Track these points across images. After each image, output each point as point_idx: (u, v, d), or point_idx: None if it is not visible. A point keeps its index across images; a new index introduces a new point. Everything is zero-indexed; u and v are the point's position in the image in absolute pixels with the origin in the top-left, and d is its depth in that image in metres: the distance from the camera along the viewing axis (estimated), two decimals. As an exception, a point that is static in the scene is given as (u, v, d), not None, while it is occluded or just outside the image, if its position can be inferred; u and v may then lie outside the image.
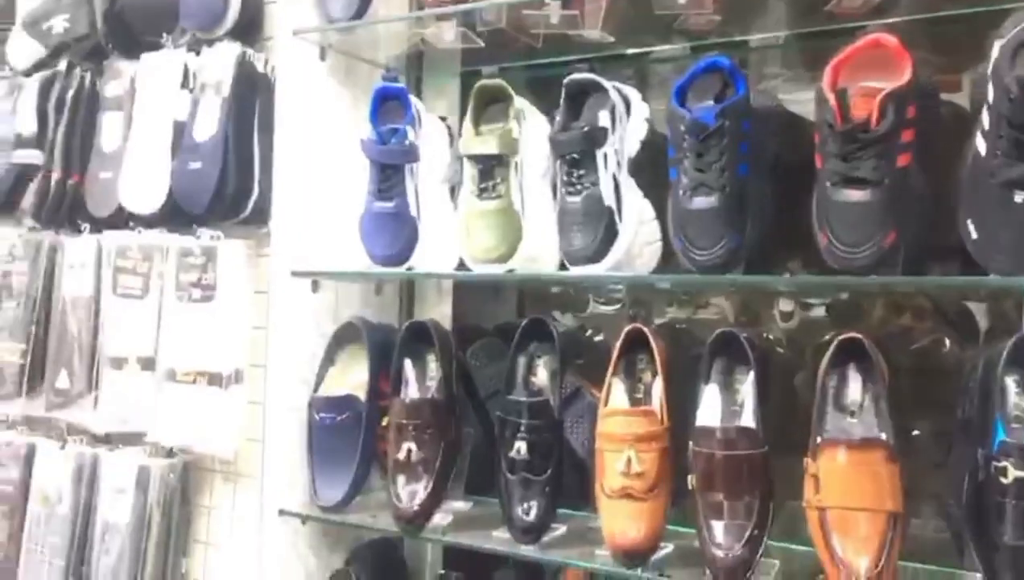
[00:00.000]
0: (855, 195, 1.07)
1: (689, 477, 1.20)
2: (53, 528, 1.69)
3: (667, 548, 1.28)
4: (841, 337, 1.20)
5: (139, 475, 1.62)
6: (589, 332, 1.79)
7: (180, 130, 1.58)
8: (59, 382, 1.70)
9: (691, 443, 1.21)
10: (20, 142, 1.75)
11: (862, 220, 1.07)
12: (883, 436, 1.15)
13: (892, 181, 1.06)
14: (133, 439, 1.66)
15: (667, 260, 1.35)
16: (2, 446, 1.79)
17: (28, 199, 1.75)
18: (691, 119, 1.17)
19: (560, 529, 1.38)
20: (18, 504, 1.74)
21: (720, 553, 1.15)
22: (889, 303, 1.47)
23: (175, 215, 1.59)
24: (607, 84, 1.33)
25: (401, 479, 1.41)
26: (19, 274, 1.75)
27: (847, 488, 1.11)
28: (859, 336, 1.19)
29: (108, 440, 1.70)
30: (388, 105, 1.49)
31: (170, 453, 1.65)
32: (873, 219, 1.06)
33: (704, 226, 1.18)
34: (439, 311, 1.70)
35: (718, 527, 1.16)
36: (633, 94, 1.38)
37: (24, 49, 1.75)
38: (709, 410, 1.25)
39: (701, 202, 1.18)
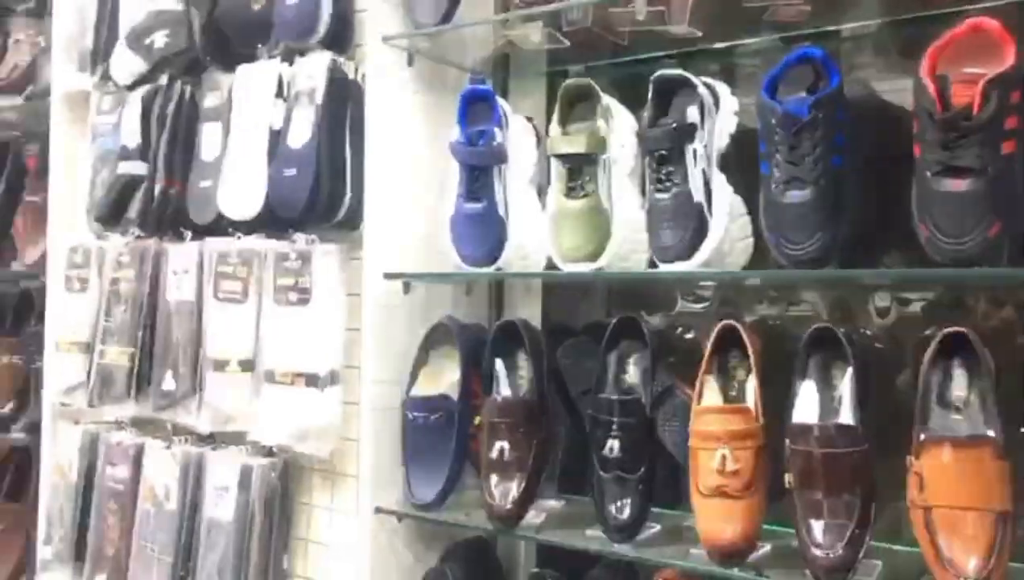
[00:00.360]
0: (957, 184, 1.04)
1: (786, 475, 1.19)
2: (161, 525, 1.75)
3: (764, 548, 1.26)
4: (945, 331, 1.17)
5: (242, 474, 1.67)
6: (679, 330, 1.77)
7: (276, 138, 1.62)
8: (165, 384, 1.76)
9: (788, 441, 1.19)
10: (125, 154, 1.82)
11: (965, 210, 1.04)
12: (991, 433, 1.12)
13: (996, 169, 1.03)
14: (235, 439, 1.71)
15: (757, 256, 1.33)
16: (113, 446, 1.86)
17: (134, 208, 1.81)
18: (783, 111, 1.16)
19: (654, 528, 1.38)
20: (129, 502, 1.81)
21: (820, 553, 1.13)
22: (992, 297, 1.42)
23: (272, 220, 1.64)
24: (695, 79, 1.32)
25: (494, 478, 1.43)
26: (127, 281, 1.82)
27: (953, 487, 1.08)
28: (964, 330, 1.16)
29: (212, 440, 1.76)
30: (476, 107, 1.51)
31: (270, 452, 1.69)
32: (976, 209, 1.03)
33: (798, 220, 1.16)
34: (528, 311, 1.71)
35: (817, 527, 1.14)
36: (722, 88, 1.36)
37: (127, 64, 1.82)
38: (806, 407, 1.23)
39: (794, 196, 1.16)
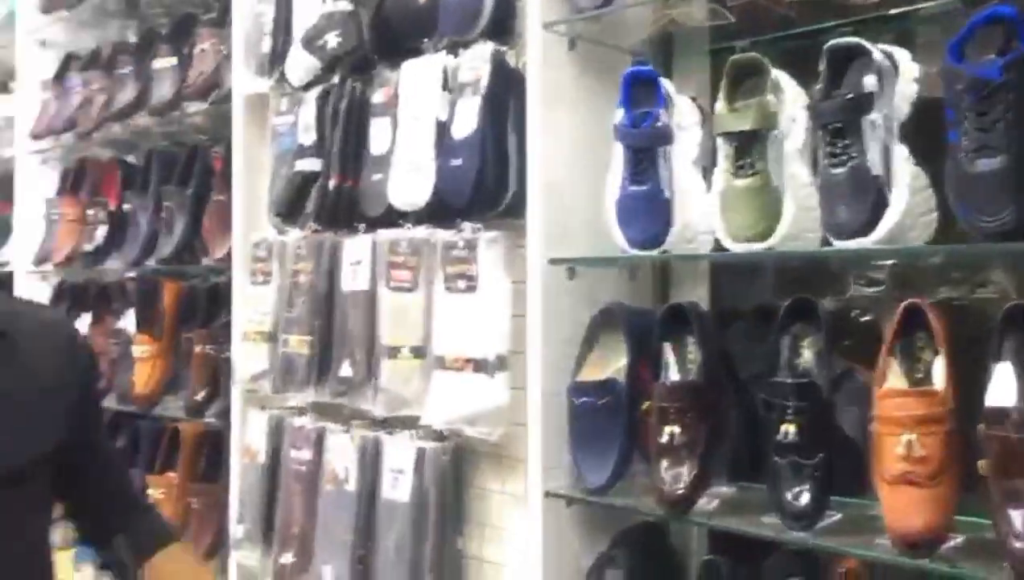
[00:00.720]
0: None
1: (980, 462, 1.12)
2: (342, 505, 1.83)
3: (956, 539, 1.19)
4: None
5: (416, 457, 1.72)
6: (854, 313, 1.70)
7: (442, 130, 1.66)
8: (342, 371, 1.84)
9: (982, 426, 1.12)
10: (301, 152, 1.91)
11: None
12: None
13: None
14: (409, 423, 1.76)
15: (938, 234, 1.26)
16: (296, 430, 1.96)
17: (310, 203, 1.90)
18: (971, 76, 1.09)
19: (834, 516, 1.32)
20: (312, 483, 1.90)
21: (1020, 545, 1.06)
22: None
23: (439, 211, 1.68)
24: (871, 46, 1.26)
25: (664, 463, 1.41)
26: (306, 273, 1.91)
27: None
28: None
29: (386, 424, 1.82)
30: (639, 89, 1.49)
31: (442, 436, 1.74)
32: None
33: (989, 190, 1.09)
34: (695, 293, 1.68)
35: (1017, 516, 1.07)
36: (901, 54, 1.30)
37: (302, 66, 1.91)
38: (1002, 390, 1.15)
39: (985, 164, 1.09)
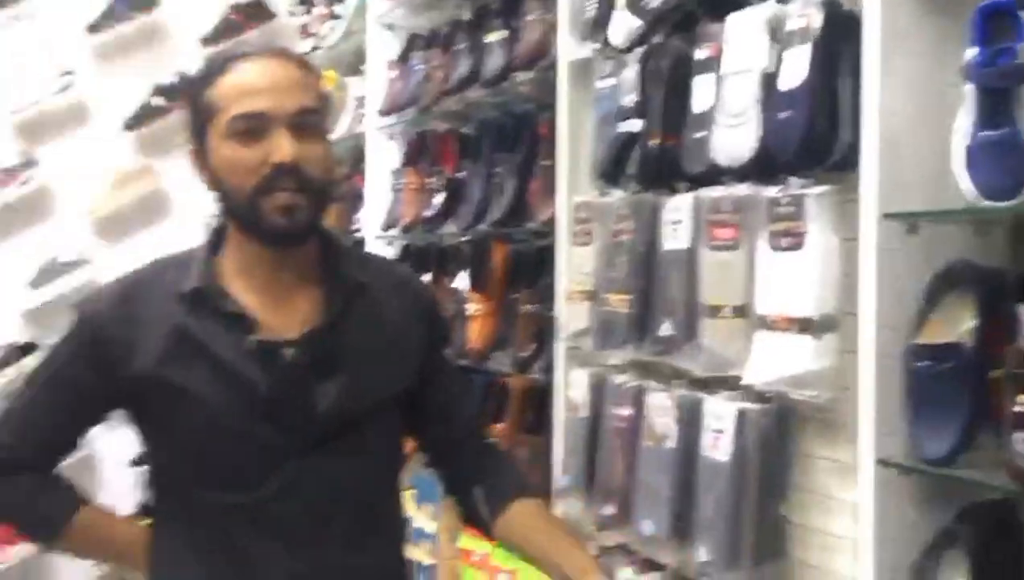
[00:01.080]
0: None
1: None
2: (661, 463, 1.85)
3: None
4: None
5: (737, 418, 1.69)
6: None
7: (768, 82, 1.61)
8: (662, 330, 1.85)
9: None
10: (623, 113, 1.94)
11: None
12: None
13: None
14: (730, 383, 1.74)
15: None
16: (617, 387, 2.00)
17: (632, 164, 1.92)
18: None
19: None
20: (632, 439, 1.94)
21: None
22: None
23: (764, 166, 1.63)
24: None
25: (1019, 435, 1.28)
26: (627, 232, 1.93)
27: None
28: None
29: (706, 384, 1.81)
30: (995, 23, 1.35)
31: (764, 398, 1.70)
32: None
33: None
34: (1060, 251, 1.50)
35: None
36: None
37: (625, 26, 1.93)
38: None
39: None
